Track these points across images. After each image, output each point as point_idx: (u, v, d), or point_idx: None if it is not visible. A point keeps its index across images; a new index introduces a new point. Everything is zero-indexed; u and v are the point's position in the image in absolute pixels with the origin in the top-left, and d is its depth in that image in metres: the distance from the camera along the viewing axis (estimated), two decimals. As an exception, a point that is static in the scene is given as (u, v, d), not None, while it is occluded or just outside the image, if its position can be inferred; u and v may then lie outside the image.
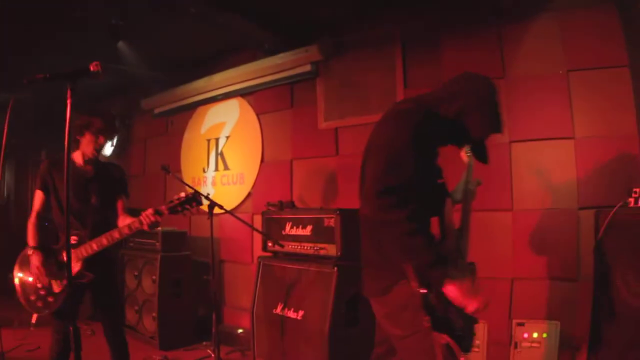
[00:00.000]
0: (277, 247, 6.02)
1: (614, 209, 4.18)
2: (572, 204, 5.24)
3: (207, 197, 5.56)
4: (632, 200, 4.16)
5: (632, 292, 3.96)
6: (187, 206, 4.41)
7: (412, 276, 2.79)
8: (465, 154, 3.53)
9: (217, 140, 8.50)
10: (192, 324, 7.60)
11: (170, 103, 9.29)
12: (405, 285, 2.87)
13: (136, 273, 7.68)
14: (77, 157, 4.64)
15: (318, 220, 5.63)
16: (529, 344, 5.18)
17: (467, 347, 2.96)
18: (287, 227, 6.01)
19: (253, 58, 7.70)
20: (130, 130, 10.57)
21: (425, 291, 2.77)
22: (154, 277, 7.32)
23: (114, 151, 10.51)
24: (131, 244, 8.03)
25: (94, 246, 4.38)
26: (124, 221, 4.63)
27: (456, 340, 2.85)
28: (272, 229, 6.26)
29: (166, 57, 8.52)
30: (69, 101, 3.02)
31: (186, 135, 9.14)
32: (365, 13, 6.68)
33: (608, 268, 4.21)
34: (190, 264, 7.72)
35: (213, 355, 6.23)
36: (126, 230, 4.41)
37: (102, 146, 4.67)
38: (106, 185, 4.77)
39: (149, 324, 7.42)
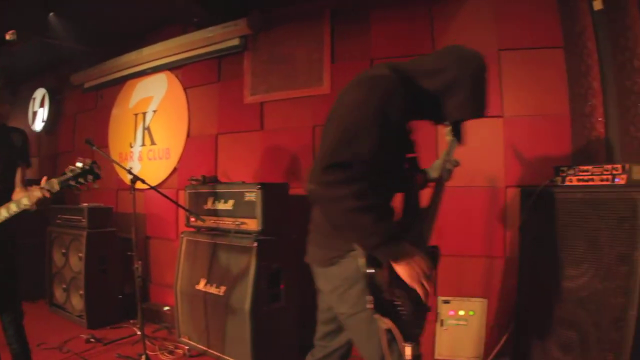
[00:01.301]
0: (199, 222, 5.86)
1: (540, 188, 4.09)
2: (500, 182, 5.17)
3: (129, 172, 5.43)
4: (559, 179, 4.05)
5: (554, 270, 3.88)
6: (82, 180, 3.62)
7: (360, 253, 2.57)
8: (447, 132, 3.28)
9: (144, 114, 8.16)
10: (120, 302, 7.36)
11: (99, 77, 8.94)
12: (355, 259, 2.62)
13: (64, 250, 7.40)
14: None
15: (239, 194, 5.45)
16: (455, 322, 5.16)
17: (413, 335, 2.62)
18: (209, 202, 5.80)
19: (183, 32, 7.43)
20: (61, 106, 10.12)
21: (371, 271, 2.53)
22: (80, 255, 7.01)
23: (44, 127, 10.11)
24: (58, 221, 7.68)
25: None
26: (17, 194, 4.03)
27: (400, 327, 2.56)
28: (194, 204, 6.03)
29: (97, 30, 8.09)
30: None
31: (114, 110, 8.77)
32: None
33: (533, 246, 4.17)
34: (116, 240, 7.48)
35: (139, 333, 6.14)
36: (14, 207, 3.76)
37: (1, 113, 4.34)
38: (6, 152, 4.25)
39: (77, 302, 7.11)
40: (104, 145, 8.77)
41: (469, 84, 2.76)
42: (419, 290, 2.58)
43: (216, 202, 5.74)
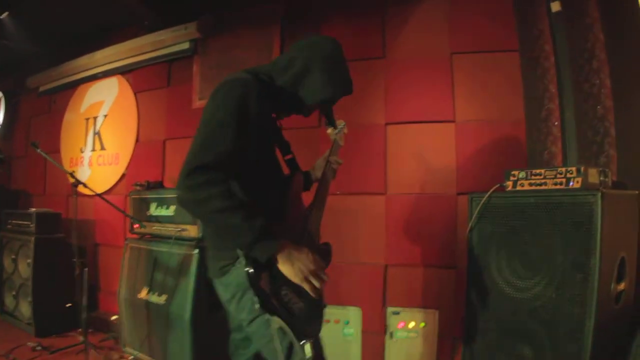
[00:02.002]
0: (142, 229, 5.65)
1: (488, 193, 3.92)
2: (451, 190, 5.03)
3: (71, 175, 5.41)
4: (510, 183, 3.91)
5: (505, 280, 3.74)
6: None
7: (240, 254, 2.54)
8: (330, 131, 3.40)
9: (95, 119, 7.93)
10: (68, 310, 6.96)
11: (54, 81, 8.70)
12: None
13: (13, 256, 7.14)
14: None
15: None
16: (405, 334, 5.01)
17: (307, 333, 2.63)
18: (152, 208, 5.59)
19: (136, 35, 7.23)
20: (17, 110, 9.86)
21: (251, 270, 2.45)
22: (29, 261, 6.77)
23: (0, 131, 9.88)
24: (9, 226, 7.45)
25: None
26: None
27: (292, 325, 2.53)
28: (138, 210, 5.82)
29: (51, 32, 7.94)
30: None
31: (66, 115, 8.52)
32: None
33: (482, 255, 3.98)
34: (65, 246, 7.09)
35: (83, 342, 6.03)
36: None
37: None
38: None
39: (25, 309, 6.85)
40: (56, 150, 8.50)
41: (319, 66, 2.80)
42: (306, 287, 2.56)
43: (159, 207, 5.51)
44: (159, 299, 5.18)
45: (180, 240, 5.23)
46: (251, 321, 2.72)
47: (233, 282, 2.75)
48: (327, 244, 3.15)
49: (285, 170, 3.11)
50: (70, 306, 6.64)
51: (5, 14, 6.85)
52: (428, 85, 5.25)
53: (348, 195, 5.43)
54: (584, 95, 4.31)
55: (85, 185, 5.47)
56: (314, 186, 3.30)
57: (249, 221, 2.39)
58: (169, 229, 5.38)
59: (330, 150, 3.38)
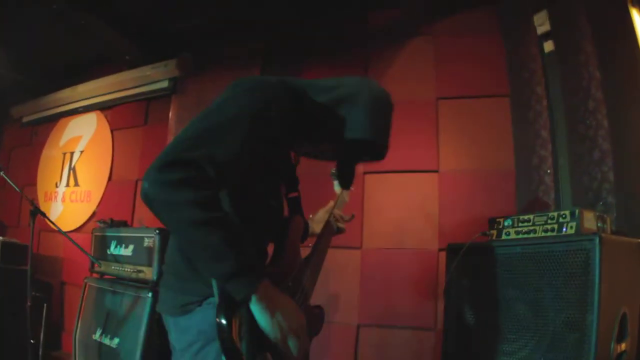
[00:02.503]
0: (102, 268, 5.46)
1: (468, 244, 3.50)
2: (432, 245, 4.69)
3: (31, 202, 5.21)
4: (494, 232, 3.56)
5: (486, 343, 3.29)
6: None
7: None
8: (336, 183, 2.94)
9: (72, 154, 7.80)
10: (31, 347, 7.06)
11: (37, 112, 8.64)
12: (214, 307, 1.90)
13: None
14: None
15: (139, 239, 5.04)
16: None
17: None
18: (112, 246, 5.39)
19: (118, 71, 7.16)
20: (1, 139, 9.71)
21: (223, 322, 1.82)
22: None
23: (-11, 163, 9.84)
24: None
25: None
26: None
27: None
28: (99, 248, 5.63)
29: (37, 63, 7.87)
30: None
31: (46, 147, 8.40)
32: (229, 31, 6.25)
33: (461, 314, 3.56)
34: (31, 282, 7.16)
35: (36, 378, 5.88)
36: None
37: None
38: None
39: None
40: (32, 183, 8.40)
41: (368, 103, 2.26)
42: (283, 347, 1.95)
43: (118, 247, 5.28)
44: (111, 342, 4.99)
45: (134, 282, 5.00)
46: None
47: (193, 328, 2.11)
48: (319, 308, 2.67)
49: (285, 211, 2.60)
50: (33, 342, 6.46)
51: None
52: (411, 132, 4.99)
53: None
54: (579, 138, 4.01)
55: (44, 215, 5.29)
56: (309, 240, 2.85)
57: (232, 246, 1.80)
58: (126, 270, 5.13)
59: (335, 203, 3.05)
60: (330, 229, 2.92)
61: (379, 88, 2.38)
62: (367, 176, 5.14)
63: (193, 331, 2.11)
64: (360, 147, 2.37)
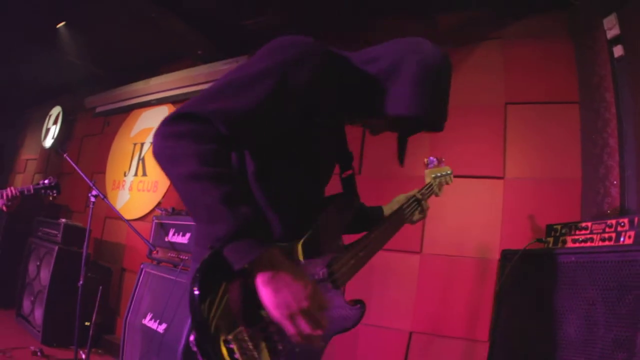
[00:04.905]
0: (159, 254, 5.59)
1: (522, 249, 3.31)
2: (493, 254, 4.46)
3: (92, 185, 5.58)
4: (551, 240, 3.37)
5: (537, 354, 3.06)
6: (49, 192, 4.98)
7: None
8: (428, 171, 3.00)
9: (142, 145, 8.01)
10: (84, 328, 7.15)
11: (109, 103, 8.97)
12: None
13: (38, 262, 7.25)
14: None
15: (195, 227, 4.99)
16: None
17: None
18: (170, 234, 5.48)
19: (190, 66, 7.34)
20: (73, 126, 10.16)
21: (197, 292, 1.56)
22: (49, 269, 6.91)
23: (52, 145, 10.05)
24: (39, 233, 7.65)
25: None
26: None
27: None
28: (158, 235, 5.75)
29: (112, 57, 8.19)
30: None
31: (117, 137, 8.67)
32: (299, 29, 6.32)
33: (510, 322, 3.35)
34: (89, 263, 7.29)
35: (84, 358, 6.02)
36: None
37: None
38: None
39: (39, 315, 6.92)
40: (101, 171, 8.68)
41: (414, 73, 2.00)
42: (288, 328, 1.64)
43: (175, 234, 5.45)
44: (158, 327, 5.08)
45: (185, 269, 5.09)
46: None
47: None
48: (359, 302, 2.16)
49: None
50: (88, 325, 6.60)
51: (62, 24, 7.02)
52: (478, 137, 4.86)
53: (380, 250, 5.03)
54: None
55: (104, 198, 5.55)
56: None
57: (230, 203, 1.58)
58: (181, 257, 5.25)
59: (420, 190, 2.85)
60: (399, 218, 2.62)
61: (431, 53, 2.07)
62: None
63: None
64: (410, 122, 2.17)
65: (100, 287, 6.13)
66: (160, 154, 1.65)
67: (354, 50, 2.17)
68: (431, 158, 3.06)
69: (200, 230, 1.94)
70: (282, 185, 2.03)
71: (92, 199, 5.47)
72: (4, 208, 4.42)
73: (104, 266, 7.58)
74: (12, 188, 4.57)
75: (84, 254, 5.37)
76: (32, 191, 4.73)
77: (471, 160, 4.78)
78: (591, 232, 3.10)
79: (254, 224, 1.61)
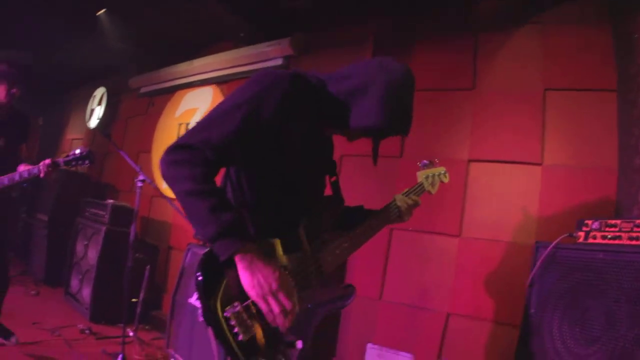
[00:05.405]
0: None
1: (553, 243, 3.40)
2: (529, 239, 4.36)
3: (139, 170, 5.62)
4: (582, 234, 3.39)
5: (555, 346, 3.19)
6: (81, 162, 4.54)
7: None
8: (420, 172, 3.23)
9: (187, 125, 8.15)
10: (131, 305, 7.29)
11: (154, 84, 9.16)
12: None
13: (86, 242, 7.49)
14: None
15: None
16: None
17: None
18: None
19: (233, 48, 7.45)
20: (117, 107, 10.37)
21: (200, 278, 2.20)
22: (97, 249, 7.12)
23: (98, 125, 10.30)
24: (86, 214, 7.90)
25: None
26: (25, 167, 4.68)
27: (231, 351, 2.20)
28: None
29: (155, 39, 8.41)
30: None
31: (162, 117, 8.86)
32: (341, 12, 6.31)
33: (539, 312, 3.42)
34: (137, 243, 7.43)
35: (132, 335, 6.18)
36: (25, 174, 4.50)
37: (12, 93, 4.83)
38: (14, 131, 4.99)
39: (87, 294, 7.15)
40: (147, 150, 8.89)
41: (379, 90, 2.37)
42: (262, 307, 2.18)
43: None
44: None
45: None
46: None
47: None
48: (349, 286, 2.70)
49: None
50: (135, 301, 6.74)
51: (102, 11, 7.16)
52: (517, 123, 4.83)
53: (419, 233, 5.13)
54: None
55: (150, 183, 5.71)
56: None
57: (215, 212, 2.15)
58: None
59: (410, 190, 3.11)
60: (386, 215, 2.95)
61: (395, 70, 2.45)
62: (472, 164, 5.03)
63: None
64: (376, 131, 2.54)
65: (148, 267, 6.25)
66: (165, 177, 2.23)
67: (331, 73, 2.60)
68: (424, 161, 3.31)
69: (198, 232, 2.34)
70: (270, 190, 2.50)
71: (139, 184, 5.55)
72: (42, 174, 4.45)
73: (151, 244, 7.81)
74: (45, 163, 4.48)
75: (131, 236, 5.53)
76: (61, 164, 4.54)
77: (510, 146, 4.79)
78: (620, 230, 3.17)
79: (235, 225, 2.17)
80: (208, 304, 2.21)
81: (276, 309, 2.19)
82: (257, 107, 2.28)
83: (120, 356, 5.24)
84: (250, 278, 2.17)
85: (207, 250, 2.26)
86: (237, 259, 2.18)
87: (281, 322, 2.22)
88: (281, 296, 2.21)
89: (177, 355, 5.60)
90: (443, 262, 4.96)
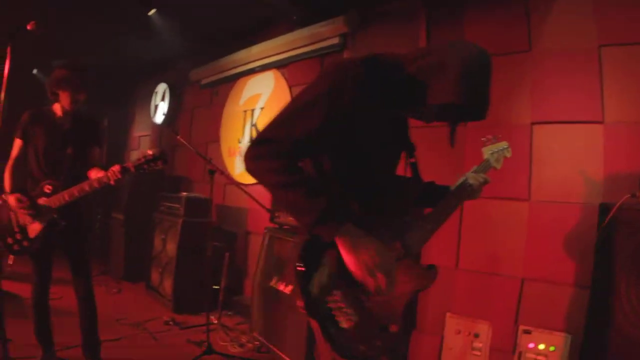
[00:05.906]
0: (281, 219, 5.92)
1: (617, 205, 3.37)
2: (595, 199, 4.23)
3: (209, 162, 5.83)
4: None
5: (634, 312, 3.17)
6: (153, 164, 4.39)
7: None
8: (485, 149, 3.25)
9: (252, 111, 8.30)
10: (212, 292, 7.18)
11: (215, 74, 9.32)
12: None
13: (163, 236, 7.77)
14: (57, 109, 4.74)
15: None
16: (533, 356, 4.46)
17: (353, 353, 2.29)
18: None
19: (289, 31, 7.51)
20: (180, 101, 10.62)
21: (302, 269, 2.21)
22: (175, 241, 7.36)
23: (164, 120, 10.62)
24: (162, 208, 8.18)
25: (65, 196, 4.43)
26: (96, 174, 4.53)
27: (332, 338, 2.23)
28: None
29: (209, 30, 8.63)
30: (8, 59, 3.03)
31: (226, 106, 9.04)
32: None
33: (607, 276, 3.40)
34: (212, 231, 7.33)
35: (215, 322, 6.30)
36: (95, 184, 4.38)
37: (76, 99, 4.69)
38: (82, 138, 4.83)
39: (168, 286, 7.43)
40: (215, 139, 9.12)
41: (457, 67, 2.31)
42: (368, 282, 2.25)
43: None
44: (285, 289, 5.28)
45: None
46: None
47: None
48: (432, 267, 2.68)
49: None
50: (217, 289, 6.84)
51: (153, 11, 7.29)
52: (575, 81, 4.67)
53: (489, 199, 4.95)
54: None
55: (222, 172, 5.83)
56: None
57: (311, 199, 2.21)
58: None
59: (478, 167, 3.16)
60: (462, 193, 2.96)
61: (472, 49, 2.42)
62: (535, 127, 4.93)
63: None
64: (453, 111, 2.51)
65: (227, 254, 6.35)
66: (251, 171, 2.32)
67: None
68: (488, 136, 3.33)
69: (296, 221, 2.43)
70: (353, 175, 2.53)
71: (210, 175, 5.72)
72: (111, 182, 4.36)
73: (229, 231, 8.06)
74: (114, 171, 4.36)
75: (209, 223, 5.60)
76: (132, 169, 4.38)
77: (570, 106, 4.69)
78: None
79: (331, 208, 2.21)
80: (310, 295, 2.23)
81: (383, 282, 2.26)
82: (335, 98, 2.30)
83: (206, 344, 5.46)
84: (355, 257, 2.22)
85: (305, 240, 2.29)
86: (339, 241, 2.23)
87: (387, 293, 2.30)
88: (385, 269, 2.26)
89: (260, 338, 5.69)
90: (514, 227, 4.94)
